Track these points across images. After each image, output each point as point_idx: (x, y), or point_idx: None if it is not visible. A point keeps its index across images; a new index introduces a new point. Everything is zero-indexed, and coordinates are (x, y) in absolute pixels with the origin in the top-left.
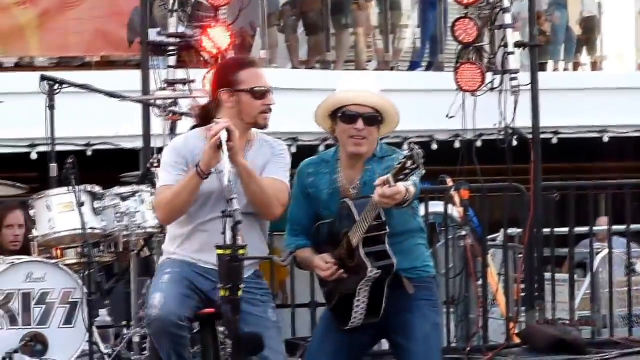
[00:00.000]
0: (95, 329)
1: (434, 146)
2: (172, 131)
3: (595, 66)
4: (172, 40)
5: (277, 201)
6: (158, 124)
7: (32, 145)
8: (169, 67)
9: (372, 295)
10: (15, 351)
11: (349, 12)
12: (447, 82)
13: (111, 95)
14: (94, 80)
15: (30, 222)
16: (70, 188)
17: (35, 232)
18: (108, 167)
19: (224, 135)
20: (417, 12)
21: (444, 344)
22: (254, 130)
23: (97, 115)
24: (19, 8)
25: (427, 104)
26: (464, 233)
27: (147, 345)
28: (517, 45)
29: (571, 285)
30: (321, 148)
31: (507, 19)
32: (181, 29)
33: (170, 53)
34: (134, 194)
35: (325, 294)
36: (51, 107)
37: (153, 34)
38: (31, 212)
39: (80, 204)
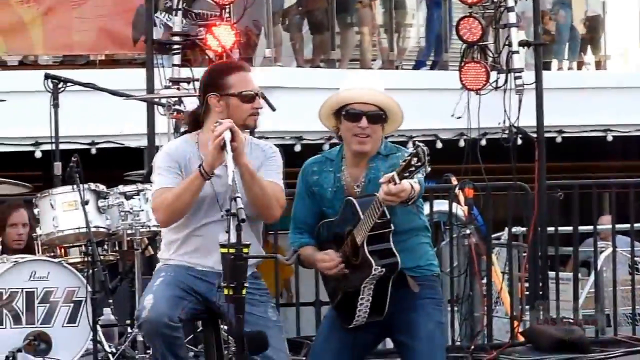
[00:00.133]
0: (99, 328)
1: (439, 145)
2: (177, 130)
3: (599, 65)
4: (176, 38)
5: (277, 202)
6: (162, 123)
7: (36, 144)
8: (174, 65)
9: (376, 294)
10: (19, 350)
11: (354, 11)
12: (452, 81)
13: (115, 93)
14: (98, 78)
15: (34, 221)
16: (75, 186)
17: (39, 231)
18: (112, 165)
19: (227, 135)
20: (421, 11)
21: (448, 342)
22: (243, 134)
23: (102, 113)
24: (23, 6)
25: (432, 103)
26: (468, 231)
27: None
28: (522, 44)
29: (575, 284)
30: (326, 147)
31: (512, 17)
32: (185, 28)
33: (175, 51)
34: (138, 192)
35: (328, 291)
36: (55, 105)
37: (158, 31)
38: (35, 211)
39: (85, 203)
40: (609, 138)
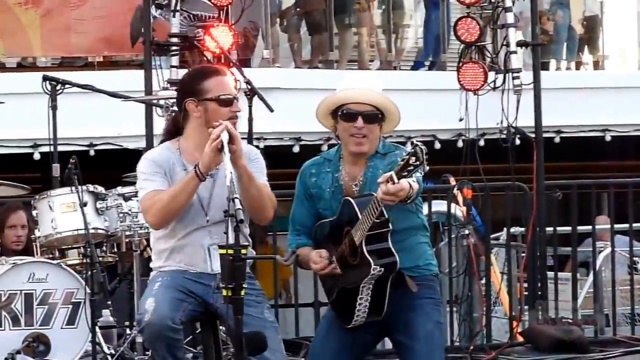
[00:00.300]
0: (98, 329)
1: (437, 145)
2: None
3: (597, 65)
4: (174, 40)
5: (271, 203)
6: (161, 124)
7: (35, 146)
8: (172, 67)
9: (375, 293)
10: (18, 352)
11: (352, 12)
12: (450, 81)
13: (114, 95)
14: (97, 80)
15: (33, 223)
16: (73, 188)
17: (37, 233)
18: (111, 167)
19: (225, 137)
20: (419, 11)
21: (447, 342)
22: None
23: (100, 115)
24: (21, 8)
25: (430, 103)
26: (466, 232)
27: None
28: (520, 44)
29: (574, 284)
30: (324, 147)
31: (510, 18)
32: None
33: (173, 53)
34: (136, 194)
35: (326, 290)
36: (54, 107)
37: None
38: (34, 213)
39: (83, 204)
40: (608, 138)
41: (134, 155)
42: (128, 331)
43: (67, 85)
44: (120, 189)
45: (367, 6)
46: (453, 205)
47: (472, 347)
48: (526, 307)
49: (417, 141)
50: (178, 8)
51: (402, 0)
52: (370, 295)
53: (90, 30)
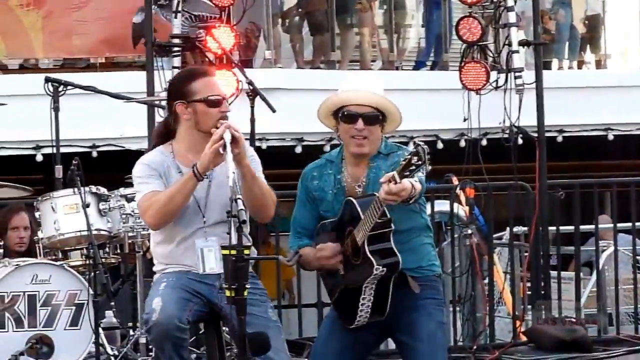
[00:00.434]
0: (101, 331)
1: (440, 145)
2: None
3: (599, 64)
4: (176, 41)
5: (272, 202)
6: None
7: (37, 147)
8: (174, 68)
9: (378, 294)
10: (21, 353)
11: (354, 12)
12: (452, 81)
13: (116, 96)
14: (99, 81)
15: (36, 224)
16: (76, 189)
17: (40, 234)
18: (113, 168)
19: (227, 137)
20: (421, 11)
21: (450, 342)
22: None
23: (102, 116)
24: (23, 10)
25: (432, 103)
26: (469, 232)
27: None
28: (522, 43)
29: (577, 283)
30: (327, 148)
31: (511, 17)
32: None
33: (175, 54)
34: None
35: (328, 289)
36: (56, 108)
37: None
38: (36, 214)
39: (86, 206)
40: (610, 137)
41: (137, 157)
42: (131, 332)
43: (69, 87)
44: (123, 190)
45: (369, 6)
46: (456, 205)
47: (475, 347)
48: (529, 306)
49: (419, 141)
50: (180, 9)
51: (404, 0)
52: (373, 295)
53: (92, 32)
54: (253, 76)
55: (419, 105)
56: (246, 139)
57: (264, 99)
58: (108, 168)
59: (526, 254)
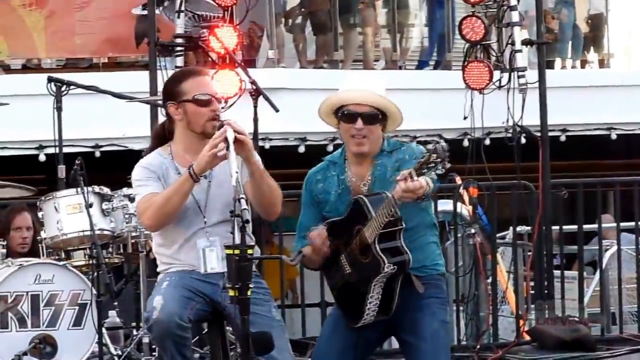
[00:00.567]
0: (104, 330)
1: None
2: None
3: (602, 64)
4: (179, 40)
5: (280, 199)
6: None
7: (40, 147)
8: (177, 67)
9: (385, 292)
10: (25, 353)
11: (357, 12)
12: (455, 80)
13: (119, 96)
14: (102, 81)
15: (39, 224)
16: (79, 189)
17: (43, 234)
18: (116, 168)
19: (230, 135)
20: (424, 11)
21: (453, 342)
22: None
23: (105, 116)
24: (25, 10)
25: (435, 103)
26: (473, 231)
27: None
28: (525, 43)
29: (580, 283)
30: (330, 148)
31: (514, 16)
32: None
33: (178, 53)
34: None
35: (331, 286)
36: (59, 108)
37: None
38: (39, 214)
39: (89, 205)
40: (613, 136)
41: (140, 157)
42: (135, 332)
43: (72, 87)
44: (126, 190)
45: (373, 5)
46: (459, 204)
47: (478, 346)
48: (532, 305)
49: (419, 141)
50: (183, 8)
51: (407, 0)
52: (381, 294)
53: (94, 32)
54: (256, 76)
55: (422, 104)
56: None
57: (267, 99)
58: (111, 168)
59: (529, 253)
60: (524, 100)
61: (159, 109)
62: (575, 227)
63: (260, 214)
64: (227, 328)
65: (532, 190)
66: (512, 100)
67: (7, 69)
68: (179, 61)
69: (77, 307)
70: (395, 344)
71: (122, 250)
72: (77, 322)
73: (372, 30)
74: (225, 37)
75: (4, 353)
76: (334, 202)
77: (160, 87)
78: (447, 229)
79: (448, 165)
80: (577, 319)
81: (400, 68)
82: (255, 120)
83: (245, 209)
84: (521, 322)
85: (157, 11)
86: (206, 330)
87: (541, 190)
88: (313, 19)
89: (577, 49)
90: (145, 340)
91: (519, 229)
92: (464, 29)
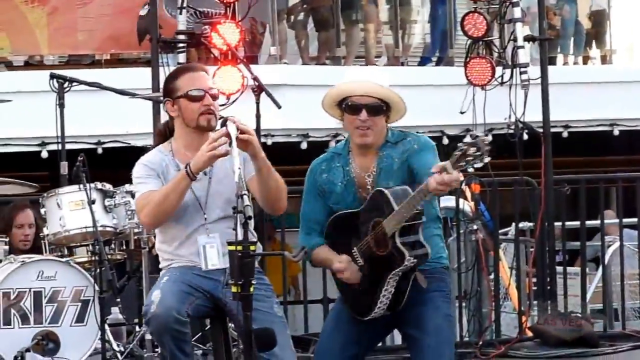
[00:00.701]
0: (107, 327)
1: (445, 141)
2: None
3: (604, 60)
4: (181, 37)
5: (286, 194)
6: None
7: (43, 144)
8: (179, 64)
9: (398, 286)
10: (27, 350)
11: (359, 8)
12: (457, 76)
13: (121, 92)
14: (104, 78)
15: (42, 221)
16: (81, 186)
17: (46, 231)
18: (118, 165)
19: (233, 131)
20: (426, 7)
21: (456, 337)
22: (210, 133)
23: (107, 113)
24: (27, 6)
25: (438, 99)
26: (475, 227)
27: None
28: (527, 39)
29: (583, 279)
30: (332, 144)
31: (517, 12)
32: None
33: (180, 50)
34: None
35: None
36: (61, 105)
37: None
38: (42, 211)
39: (91, 202)
40: (615, 132)
41: (142, 153)
42: (137, 328)
43: (74, 83)
44: (129, 187)
45: (375, 1)
46: (461, 200)
47: (481, 342)
48: (535, 302)
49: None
50: (185, 5)
51: None
52: (394, 287)
53: (97, 28)
54: (258, 72)
55: (424, 101)
56: None
57: (269, 95)
58: (113, 164)
59: (532, 249)
60: (526, 96)
61: (161, 105)
62: (577, 223)
63: (266, 209)
64: (230, 324)
65: (535, 186)
66: (515, 96)
67: (10, 66)
68: (181, 58)
69: (79, 304)
70: (397, 339)
71: (124, 247)
72: (80, 318)
73: (375, 27)
74: (227, 34)
75: (6, 349)
76: (340, 193)
77: (162, 84)
78: (449, 225)
79: (487, 159)
80: (579, 315)
81: (402, 64)
82: (258, 116)
83: (248, 205)
84: (523, 318)
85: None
86: (209, 326)
87: (543, 186)
88: (315, 16)
89: (579, 45)
90: (148, 336)
91: (521, 225)
92: (466, 25)
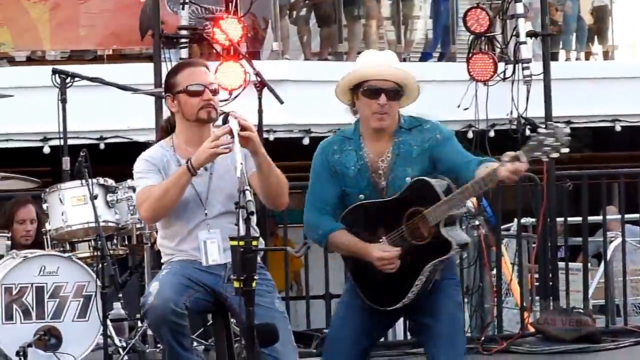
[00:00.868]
0: (109, 322)
1: None
2: None
3: (607, 55)
4: (184, 32)
5: (287, 189)
6: None
7: (45, 139)
8: (181, 59)
9: (430, 275)
10: (29, 345)
11: (361, 4)
12: (460, 72)
13: (123, 88)
14: (106, 73)
15: (44, 216)
16: (83, 181)
17: (48, 226)
18: (120, 160)
19: (235, 126)
20: (428, 2)
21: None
22: (212, 129)
23: (110, 108)
24: (29, 2)
25: (440, 95)
26: (477, 223)
27: None
28: (529, 34)
29: (585, 275)
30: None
31: (519, 8)
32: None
33: (182, 45)
34: None
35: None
36: (63, 100)
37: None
38: (44, 206)
39: (93, 197)
40: (617, 128)
41: (144, 149)
42: (139, 324)
43: (76, 79)
44: (131, 182)
45: None
46: None
47: (483, 338)
48: (537, 297)
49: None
50: (187, 0)
51: None
52: (427, 276)
53: (99, 24)
54: (260, 68)
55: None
56: None
57: (271, 91)
58: (115, 160)
59: (534, 245)
60: (528, 92)
61: (163, 101)
62: (579, 219)
63: (267, 205)
64: (232, 320)
65: (537, 182)
66: (517, 92)
67: (12, 61)
68: (184, 53)
69: (81, 299)
70: (398, 335)
71: (126, 242)
72: (82, 313)
73: (377, 22)
74: (229, 29)
75: (8, 345)
76: (354, 177)
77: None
78: None
79: (565, 151)
80: (581, 311)
81: (404, 60)
82: (260, 112)
83: (250, 200)
84: (525, 314)
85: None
86: (211, 322)
87: (546, 182)
88: (317, 11)
89: (582, 41)
90: (150, 332)
91: (523, 220)
92: (469, 20)
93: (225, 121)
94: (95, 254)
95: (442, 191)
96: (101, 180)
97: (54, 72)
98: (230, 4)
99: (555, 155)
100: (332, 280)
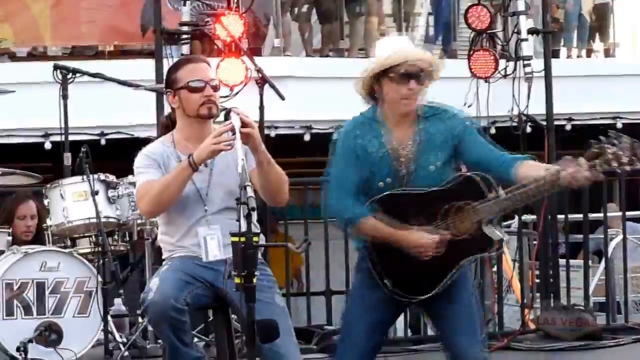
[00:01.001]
0: (110, 318)
1: None
2: None
3: (608, 53)
4: (185, 28)
5: (287, 186)
6: None
7: (46, 135)
8: (182, 55)
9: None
10: (30, 341)
11: (363, 1)
12: (461, 69)
13: (124, 83)
14: (108, 69)
15: (45, 212)
16: (84, 177)
17: (49, 222)
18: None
19: (237, 122)
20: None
21: None
22: (213, 125)
23: (111, 104)
24: None
25: (441, 92)
26: None
27: None
28: (530, 31)
29: (585, 272)
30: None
31: (520, 5)
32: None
33: (184, 41)
34: None
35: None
36: (65, 96)
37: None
38: (45, 202)
39: (95, 193)
40: (619, 125)
41: (145, 144)
42: (140, 320)
43: (78, 74)
44: (132, 178)
45: None
46: None
47: (483, 335)
48: (538, 294)
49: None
50: None
51: None
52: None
53: (100, 20)
54: (262, 64)
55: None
56: None
57: (273, 87)
58: (116, 156)
59: (535, 242)
60: (529, 89)
61: (164, 97)
62: (580, 216)
63: (267, 202)
64: (232, 316)
65: None
66: (518, 89)
67: (13, 57)
68: (185, 49)
69: (82, 295)
70: (399, 332)
71: (127, 238)
72: (83, 309)
73: (378, 19)
74: (231, 25)
75: (9, 340)
76: (377, 164)
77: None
78: None
79: (628, 168)
80: (581, 309)
81: None
82: (261, 108)
83: (251, 196)
84: (526, 310)
85: None
86: (212, 318)
87: None
88: (319, 8)
89: (583, 38)
90: (151, 328)
91: (524, 217)
92: (470, 17)
93: (227, 117)
94: (96, 249)
95: (495, 190)
96: (102, 176)
97: (55, 67)
98: (231, 0)
99: (614, 168)
100: (333, 277)
